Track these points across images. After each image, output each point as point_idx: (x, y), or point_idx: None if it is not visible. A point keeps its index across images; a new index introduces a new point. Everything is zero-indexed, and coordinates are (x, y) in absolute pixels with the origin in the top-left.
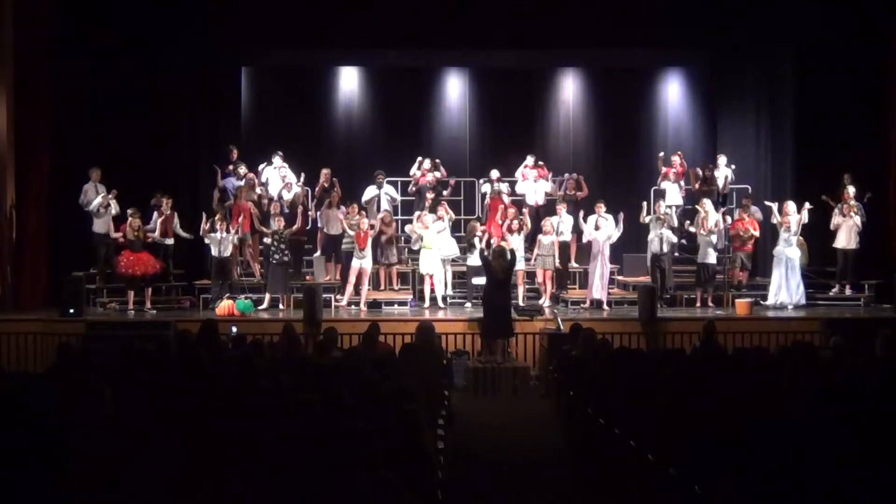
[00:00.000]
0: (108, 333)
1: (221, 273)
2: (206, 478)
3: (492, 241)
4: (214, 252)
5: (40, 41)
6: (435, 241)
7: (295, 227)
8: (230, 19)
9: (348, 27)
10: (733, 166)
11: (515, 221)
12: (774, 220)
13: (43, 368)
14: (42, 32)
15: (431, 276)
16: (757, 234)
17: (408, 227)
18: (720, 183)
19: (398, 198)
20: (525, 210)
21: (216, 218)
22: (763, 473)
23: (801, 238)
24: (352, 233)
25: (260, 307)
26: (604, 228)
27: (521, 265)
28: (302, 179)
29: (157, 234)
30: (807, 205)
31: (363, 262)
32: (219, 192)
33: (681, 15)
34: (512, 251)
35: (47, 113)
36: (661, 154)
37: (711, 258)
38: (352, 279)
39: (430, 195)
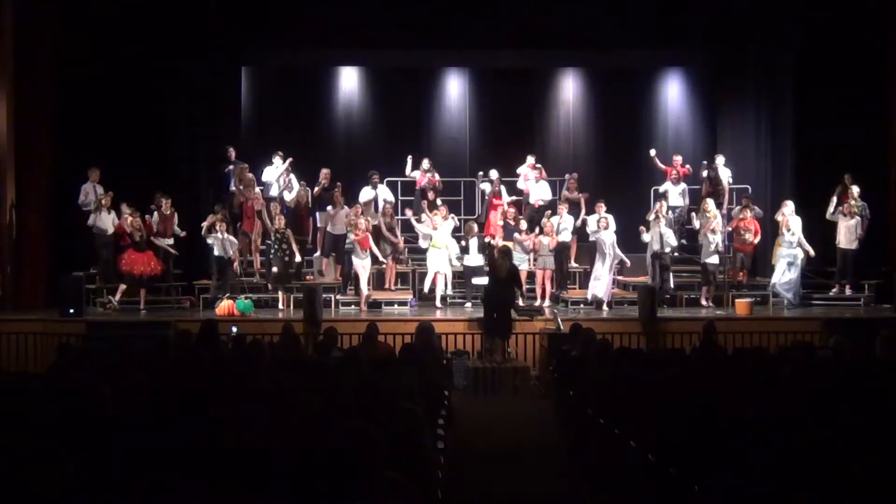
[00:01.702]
0: (108, 333)
1: (222, 273)
2: (208, 479)
3: (491, 241)
4: (218, 252)
5: (40, 41)
6: (444, 241)
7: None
8: (230, 19)
9: (348, 27)
10: (729, 173)
11: (523, 221)
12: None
13: (43, 368)
14: (42, 32)
15: (437, 273)
16: (757, 237)
17: (417, 225)
18: (724, 183)
19: (394, 199)
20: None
21: (218, 218)
22: (763, 473)
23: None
24: (352, 235)
25: (280, 306)
26: (609, 228)
27: (524, 265)
28: (295, 184)
29: (156, 230)
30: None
31: (364, 263)
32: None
33: (681, 15)
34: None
35: (47, 113)
36: (653, 151)
37: (714, 258)
38: (360, 276)
39: (430, 195)
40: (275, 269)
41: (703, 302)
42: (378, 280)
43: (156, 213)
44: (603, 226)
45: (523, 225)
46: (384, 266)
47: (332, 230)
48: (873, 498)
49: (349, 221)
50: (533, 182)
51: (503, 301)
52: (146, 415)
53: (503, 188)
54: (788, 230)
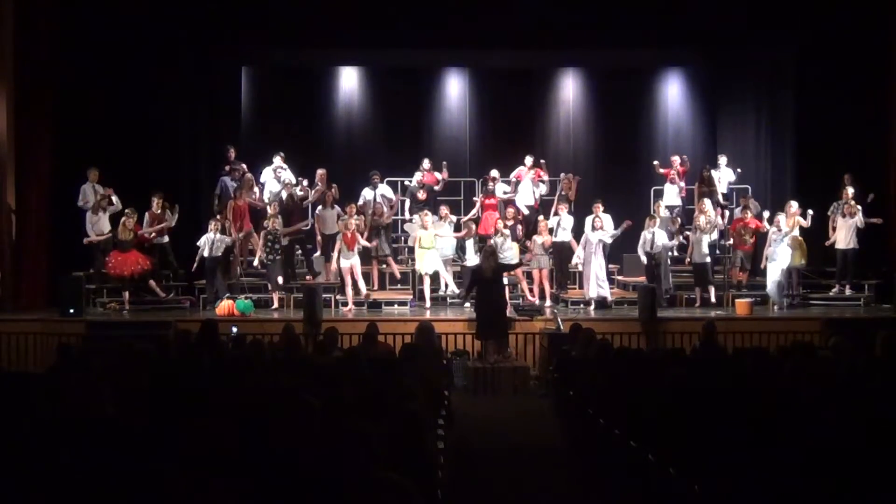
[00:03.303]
0: (108, 333)
1: (212, 273)
2: (207, 479)
3: (487, 240)
4: (205, 252)
5: (40, 41)
6: (435, 241)
7: (293, 228)
8: (230, 19)
9: (348, 27)
10: (739, 170)
11: (500, 222)
12: (772, 228)
13: (43, 368)
14: (42, 33)
15: (425, 275)
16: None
17: (407, 226)
18: (717, 184)
19: (394, 198)
20: (519, 214)
21: (216, 219)
22: (763, 473)
23: (800, 238)
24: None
25: (273, 307)
26: (601, 229)
27: (516, 261)
28: (298, 184)
29: (153, 231)
30: (809, 211)
31: (352, 261)
32: (218, 193)
33: (681, 15)
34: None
35: (47, 113)
36: (656, 163)
37: (704, 257)
38: (347, 280)
39: (420, 195)
40: (280, 279)
41: (698, 304)
42: (377, 282)
43: (147, 212)
44: (598, 226)
45: (500, 224)
46: (384, 267)
47: (325, 231)
48: (874, 498)
49: (344, 224)
50: (529, 183)
51: (493, 303)
52: (146, 415)
53: (498, 187)
54: (780, 229)
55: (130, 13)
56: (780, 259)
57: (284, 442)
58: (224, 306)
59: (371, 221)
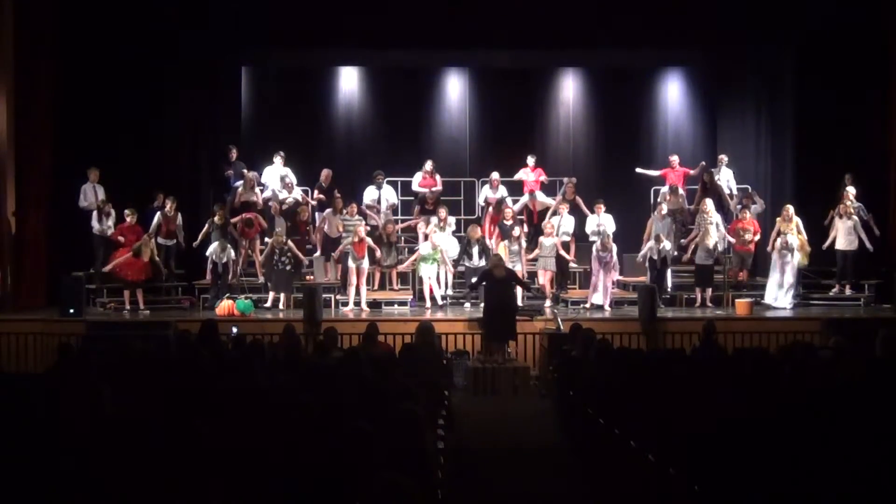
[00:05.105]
0: (108, 333)
1: (220, 274)
2: (208, 479)
3: (489, 244)
4: (212, 264)
5: (40, 41)
6: (438, 249)
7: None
8: (230, 19)
9: (348, 27)
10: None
11: (517, 228)
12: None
13: (43, 368)
14: (42, 32)
15: (430, 279)
16: (756, 236)
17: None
18: (723, 184)
19: (397, 200)
20: (523, 220)
21: (215, 219)
22: (763, 473)
23: (801, 238)
24: (349, 238)
25: (265, 305)
26: (607, 228)
27: (517, 266)
28: (295, 190)
29: (158, 235)
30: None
31: (361, 264)
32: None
33: (681, 15)
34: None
35: (47, 113)
36: (638, 169)
37: (708, 258)
38: (352, 280)
39: (430, 201)
40: (274, 280)
41: (698, 304)
42: (375, 282)
43: (158, 213)
44: (601, 228)
45: (516, 232)
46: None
47: (328, 232)
48: (874, 497)
49: (346, 225)
50: (532, 184)
51: (504, 307)
52: (146, 415)
53: (504, 191)
54: (784, 233)
55: (130, 13)
56: (790, 261)
57: (285, 442)
58: (224, 306)
59: (384, 237)
